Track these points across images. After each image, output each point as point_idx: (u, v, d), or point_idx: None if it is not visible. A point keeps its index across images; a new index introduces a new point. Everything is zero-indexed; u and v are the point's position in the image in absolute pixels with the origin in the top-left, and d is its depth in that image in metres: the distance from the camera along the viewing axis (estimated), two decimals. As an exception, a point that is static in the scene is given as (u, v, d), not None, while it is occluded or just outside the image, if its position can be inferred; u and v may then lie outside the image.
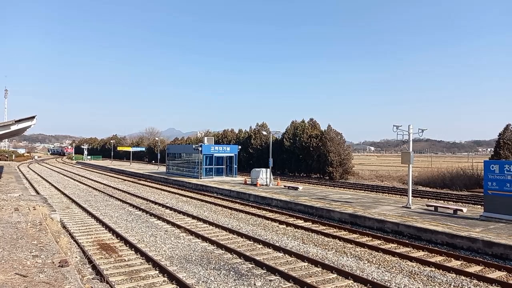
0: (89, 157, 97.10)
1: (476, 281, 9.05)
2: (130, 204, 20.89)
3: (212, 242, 12.43)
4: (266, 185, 28.74)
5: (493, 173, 14.60)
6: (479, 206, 20.76)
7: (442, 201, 24.43)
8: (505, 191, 14.12)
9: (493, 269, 9.97)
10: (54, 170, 56.20)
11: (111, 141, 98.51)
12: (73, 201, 22.17)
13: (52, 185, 32.74)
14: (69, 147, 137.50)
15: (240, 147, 39.68)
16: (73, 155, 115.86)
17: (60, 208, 19.48)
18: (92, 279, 8.65)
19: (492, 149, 36.79)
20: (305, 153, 46.37)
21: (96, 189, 29.12)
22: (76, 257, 10.23)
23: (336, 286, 8.68)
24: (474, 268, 10.04)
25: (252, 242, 12.69)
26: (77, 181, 37.30)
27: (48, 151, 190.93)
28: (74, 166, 72.95)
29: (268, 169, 29.31)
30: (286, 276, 9.08)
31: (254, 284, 8.72)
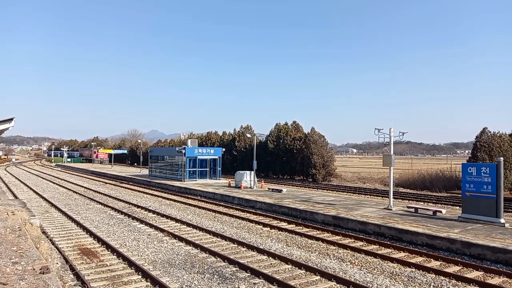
0: (69, 159, 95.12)
1: (455, 281, 9.29)
2: (112, 208, 20.57)
3: (195, 245, 12.37)
4: (250, 187, 28.76)
5: (470, 176, 15.02)
6: (458, 207, 21.30)
7: (422, 203, 24.96)
8: (482, 192, 14.55)
9: (471, 269, 10.25)
10: (33, 173, 54.85)
11: (92, 143, 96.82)
12: (53, 205, 21.69)
13: (31, 188, 31.95)
14: (99, 149, 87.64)
15: (224, 149, 39.62)
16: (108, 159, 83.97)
17: (40, 212, 19.03)
18: (74, 285, 8.50)
19: (470, 151, 37.81)
20: (289, 156, 46.65)
21: (76, 193, 28.55)
22: (57, 263, 10.03)
23: (320, 288, 8.78)
24: (453, 269, 10.30)
25: (236, 245, 12.69)
26: (56, 184, 36.49)
27: (47, 154, 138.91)
28: (53, 169, 71.33)
29: (252, 172, 29.35)
30: (270, 279, 9.12)
31: (238, 287, 8.74)
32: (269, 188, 28.31)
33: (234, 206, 21.52)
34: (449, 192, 32.78)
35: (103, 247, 12.18)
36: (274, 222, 16.90)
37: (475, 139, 34.67)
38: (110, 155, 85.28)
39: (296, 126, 49.81)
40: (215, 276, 9.52)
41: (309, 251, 12.13)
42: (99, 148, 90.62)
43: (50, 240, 12.70)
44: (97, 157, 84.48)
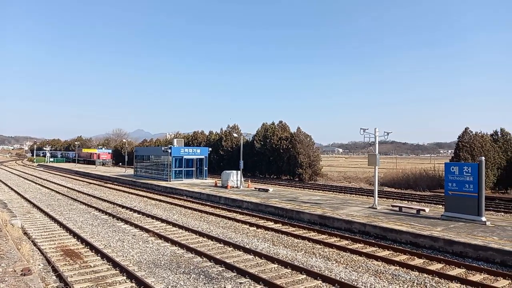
0: (51, 159, 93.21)
1: (438, 278, 9.46)
2: (96, 208, 20.27)
3: (181, 245, 12.29)
4: (237, 187, 28.72)
5: (453, 175, 15.30)
6: (441, 206, 21.69)
7: (406, 202, 25.33)
8: (464, 191, 14.84)
9: (453, 266, 10.45)
10: (14, 173, 53.63)
11: (76, 142, 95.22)
12: (35, 205, 21.24)
13: (12, 189, 31.23)
14: (104, 150, 78.29)
15: (210, 149, 39.46)
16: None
17: (21, 213, 18.63)
18: (57, 287, 8.34)
19: (453, 151, 38.54)
20: (276, 155, 46.75)
21: (59, 193, 28.04)
22: (39, 265, 9.82)
23: (305, 287, 8.82)
24: (436, 266, 10.48)
25: (222, 245, 12.65)
26: (38, 184, 35.76)
27: (35, 153, 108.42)
28: (35, 168, 69.88)
29: (239, 171, 29.31)
30: (256, 278, 9.12)
31: (225, 287, 8.70)
32: (255, 188, 28.31)
33: (220, 206, 21.45)
34: (433, 191, 33.31)
35: (87, 248, 11.99)
36: (261, 222, 16.91)
37: (458, 139, 35.27)
38: (114, 156, 78.86)
39: (282, 126, 49.94)
40: (201, 276, 9.47)
41: (296, 250, 12.18)
42: (101, 148, 79.45)
43: (32, 241, 12.43)
44: (98, 158, 73.74)
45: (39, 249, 11.54)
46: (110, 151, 79.23)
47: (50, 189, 31.12)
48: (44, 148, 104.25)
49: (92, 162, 73.55)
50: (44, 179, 42.03)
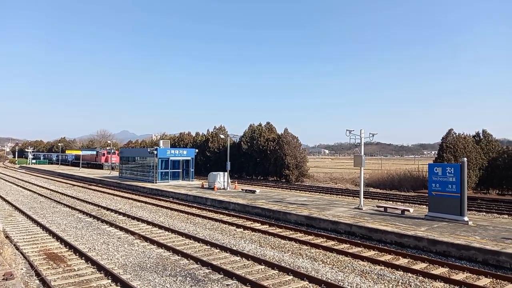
0: (34, 161, 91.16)
1: (422, 277, 9.61)
2: (80, 211, 19.94)
3: (168, 248, 12.19)
4: (224, 188, 28.64)
5: (436, 175, 15.58)
6: (424, 206, 22.03)
7: (391, 202, 25.67)
8: (447, 192, 15.12)
9: (437, 265, 10.62)
10: (-5, 175, 52.35)
11: (59, 144, 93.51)
12: (17, 208, 20.77)
13: (-7, 191, 30.46)
14: (113, 150, 63.58)
15: (197, 150, 39.24)
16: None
17: (2, 216, 18.20)
18: (39, 291, 8.18)
19: (436, 152, 39.22)
20: (263, 156, 46.82)
21: (42, 195, 27.48)
22: (22, 269, 9.61)
23: (292, 288, 8.85)
24: (420, 266, 10.64)
25: (209, 247, 12.60)
26: (20, 186, 34.96)
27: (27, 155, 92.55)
28: (17, 170, 68.36)
29: (226, 173, 29.24)
30: (243, 280, 9.11)
31: (212, 290, 8.67)
32: (242, 189, 28.27)
33: (207, 208, 21.35)
34: (417, 191, 33.87)
35: (71, 251, 11.79)
36: (248, 223, 16.89)
37: (441, 140, 35.94)
38: (19, 152, 66.01)
39: (269, 127, 50.06)
40: (188, 278, 9.41)
41: (282, 251, 12.21)
42: (111, 150, 64.75)
43: (14, 245, 12.15)
44: (106, 161, 61.50)
45: (21, 253, 11.29)
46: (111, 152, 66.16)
47: (33, 191, 30.47)
48: (27, 150, 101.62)
49: (99, 166, 63.22)
50: (26, 181, 41.15)
